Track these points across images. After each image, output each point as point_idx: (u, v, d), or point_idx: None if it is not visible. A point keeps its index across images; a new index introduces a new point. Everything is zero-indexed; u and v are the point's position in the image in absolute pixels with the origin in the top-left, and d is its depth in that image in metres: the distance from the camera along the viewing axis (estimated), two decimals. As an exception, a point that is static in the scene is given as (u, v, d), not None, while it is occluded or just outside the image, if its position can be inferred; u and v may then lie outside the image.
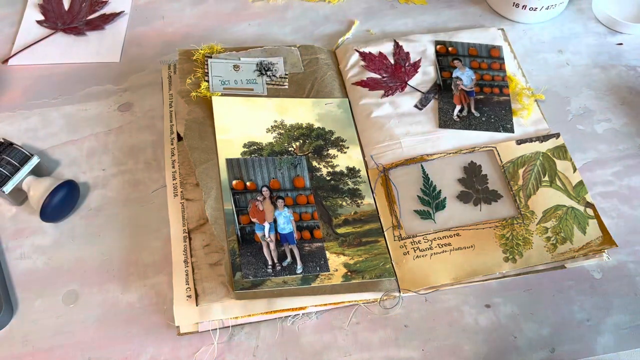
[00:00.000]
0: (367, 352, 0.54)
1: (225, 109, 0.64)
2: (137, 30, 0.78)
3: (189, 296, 0.55)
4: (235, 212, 0.57)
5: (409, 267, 0.57)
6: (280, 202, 0.59)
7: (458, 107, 0.68)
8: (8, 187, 0.59)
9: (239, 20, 0.79)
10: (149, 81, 0.72)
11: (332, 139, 0.65)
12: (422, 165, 0.64)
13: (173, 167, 0.64)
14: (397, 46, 0.73)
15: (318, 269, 0.56)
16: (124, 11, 0.79)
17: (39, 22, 0.78)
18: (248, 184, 0.59)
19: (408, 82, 0.70)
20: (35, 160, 0.61)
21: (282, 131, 0.64)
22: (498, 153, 0.64)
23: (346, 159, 0.63)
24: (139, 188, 0.64)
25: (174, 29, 0.78)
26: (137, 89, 0.71)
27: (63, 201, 0.60)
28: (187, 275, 0.56)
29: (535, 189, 0.62)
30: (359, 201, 0.61)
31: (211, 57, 0.67)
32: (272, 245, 0.56)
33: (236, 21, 0.79)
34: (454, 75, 0.70)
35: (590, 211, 0.60)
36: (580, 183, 0.62)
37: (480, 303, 0.57)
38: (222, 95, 0.65)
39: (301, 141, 0.64)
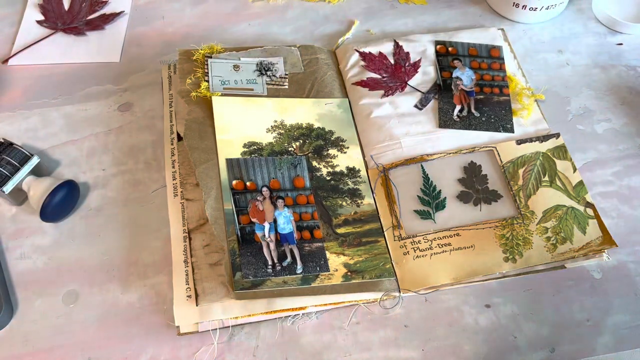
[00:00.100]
0: (367, 352, 0.54)
1: (225, 109, 0.64)
2: (137, 30, 0.78)
3: (189, 296, 0.55)
4: (235, 212, 0.57)
5: (409, 267, 0.57)
6: (280, 202, 0.59)
7: (458, 107, 0.68)
8: (8, 187, 0.59)
9: (239, 20, 0.79)
10: (149, 81, 0.72)
11: (332, 139, 0.65)
12: (422, 165, 0.64)
13: (173, 167, 0.64)
14: (397, 46, 0.73)
15: (318, 269, 0.56)
16: (124, 11, 0.79)
17: (39, 22, 0.78)
18: (248, 184, 0.59)
19: (408, 82, 0.70)
20: (35, 160, 0.61)
21: (282, 131, 0.64)
22: (498, 153, 0.64)
23: (346, 159, 0.63)
24: (139, 188, 0.64)
25: (174, 29, 0.78)
26: (137, 89, 0.71)
27: (63, 201, 0.60)
28: (187, 275, 0.56)
29: (535, 189, 0.62)
30: (359, 201, 0.61)
31: (211, 57, 0.67)
32: (272, 245, 0.56)
33: (236, 21, 0.79)
34: (454, 75, 0.70)
35: (590, 211, 0.60)
36: (580, 183, 0.62)
37: (480, 303, 0.57)
38: (222, 95, 0.65)
39: (301, 141, 0.64)
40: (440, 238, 0.59)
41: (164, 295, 0.57)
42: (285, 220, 0.58)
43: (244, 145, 0.62)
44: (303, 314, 0.56)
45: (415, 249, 0.58)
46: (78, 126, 0.69)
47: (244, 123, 0.63)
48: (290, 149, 0.63)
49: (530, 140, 0.65)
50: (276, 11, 0.80)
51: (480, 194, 0.62)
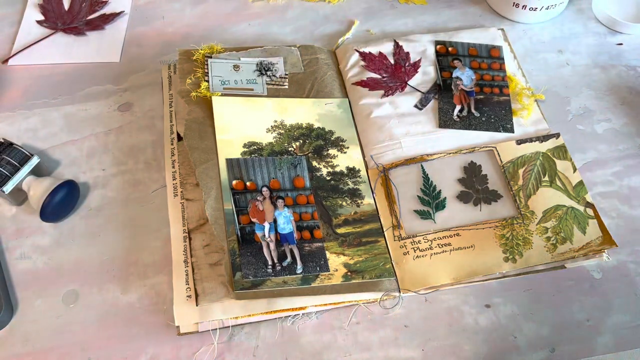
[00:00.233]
0: (367, 352, 0.54)
1: (225, 109, 0.64)
2: (137, 30, 0.78)
3: (189, 296, 0.55)
4: (235, 212, 0.57)
5: (409, 267, 0.57)
6: (280, 202, 0.59)
7: (458, 107, 0.68)
8: (8, 187, 0.59)
9: (239, 20, 0.79)
10: (149, 81, 0.72)
11: (332, 139, 0.65)
12: (422, 165, 0.64)
13: (173, 167, 0.64)
14: (397, 46, 0.73)
15: (318, 269, 0.56)
16: (124, 11, 0.79)
17: (39, 22, 0.78)
18: (248, 184, 0.59)
19: (408, 82, 0.70)
20: (35, 160, 0.61)
21: (282, 131, 0.64)
22: (498, 153, 0.64)
23: (346, 159, 0.63)
24: (139, 188, 0.64)
25: (174, 29, 0.78)
26: (137, 89, 0.71)
27: (63, 201, 0.60)
28: (187, 275, 0.56)
29: (535, 189, 0.62)
30: (359, 201, 0.61)
31: (211, 57, 0.67)
32: (272, 245, 0.56)
33: (236, 21, 0.79)
34: (454, 75, 0.70)
35: (590, 211, 0.60)
36: (580, 183, 0.62)
37: (480, 303, 0.57)
38: (222, 95, 0.65)
39: (301, 141, 0.64)
40: (440, 238, 0.59)
41: (164, 295, 0.57)
42: (285, 220, 0.58)
43: (244, 145, 0.62)
44: (303, 314, 0.56)
45: (415, 249, 0.58)
46: (78, 126, 0.69)
47: (244, 123, 0.63)
48: (290, 149, 0.63)
49: (530, 140, 0.65)
50: (276, 11, 0.80)
51: (480, 194, 0.62)
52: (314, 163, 0.62)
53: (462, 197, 0.62)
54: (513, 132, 0.66)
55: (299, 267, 0.55)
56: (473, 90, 0.69)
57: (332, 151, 0.64)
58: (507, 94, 0.69)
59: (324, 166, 0.62)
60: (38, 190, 0.59)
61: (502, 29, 0.76)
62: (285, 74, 0.69)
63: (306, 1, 0.81)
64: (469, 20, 0.78)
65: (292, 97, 0.67)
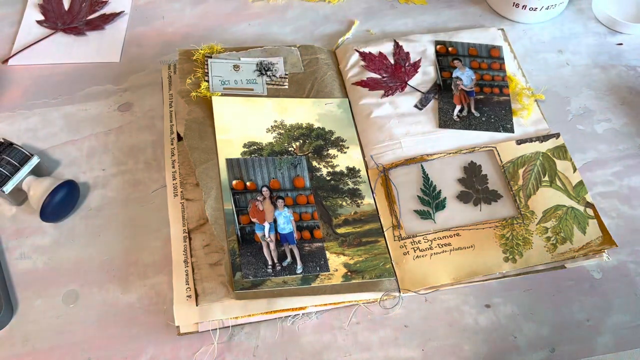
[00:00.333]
0: (367, 352, 0.54)
1: (225, 109, 0.64)
2: (137, 30, 0.78)
3: (189, 296, 0.55)
4: (235, 212, 0.57)
5: (409, 267, 0.57)
6: (280, 202, 0.59)
7: (458, 107, 0.68)
8: (8, 187, 0.59)
9: (239, 20, 0.79)
10: (149, 81, 0.72)
11: (332, 139, 0.65)
12: (422, 165, 0.64)
13: (173, 167, 0.64)
14: (397, 46, 0.73)
15: (318, 269, 0.56)
16: (124, 11, 0.79)
17: (39, 22, 0.78)
18: (248, 184, 0.59)
19: (408, 82, 0.70)
20: (35, 160, 0.61)
21: (282, 131, 0.64)
22: (498, 153, 0.64)
23: (346, 159, 0.63)
24: (139, 188, 0.64)
25: (174, 29, 0.78)
26: (137, 89, 0.71)
27: (63, 201, 0.60)
28: (187, 275, 0.56)
29: (535, 189, 0.62)
30: (359, 201, 0.61)
31: (211, 57, 0.67)
32: (272, 245, 0.56)
33: (236, 21, 0.79)
34: (454, 75, 0.70)
35: (590, 211, 0.60)
36: (580, 183, 0.62)
37: (480, 303, 0.57)
38: (222, 95, 0.65)
39: (301, 141, 0.64)
40: (440, 238, 0.59)
41: (164, 295, 0.57)
42: (285, 220, 0.58)
43: (244, 145, 0.62)
44: (303, 314, 0.56)
45: (415, 249, 0.58)
46: (78, 126, 0.69)
47: (244, 123, 0.63)
48: (290, 149, 0.63)
49: (530, 140, 0.65)
50: (276, 11, 0.80)
51: (480, 194, 0.62)
52: (314, 163, 0.62)
53: (462, 197, 0.62)
54: (513, 132, 0.66)
55: (299, 267, 0.55)
56: (473, 90, 0.69)
57: (332, 151, 0.64)
58: (507, 94, 0.69)
59: (324, 166, 0.62)
60: (38, 190, 0.59)
61: (502, 29, 0.76)
62: (285, 74, 0.69)
63: (306, 1, 0.81)
64: (469, 20, 0.78)
65: (292, 97, 0.67)
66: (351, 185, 0.62)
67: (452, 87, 0.69)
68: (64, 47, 0.76)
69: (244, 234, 0.56)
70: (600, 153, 0.66)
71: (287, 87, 0.68)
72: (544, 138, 0.65)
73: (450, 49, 0.72)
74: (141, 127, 0.68)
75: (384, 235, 0.60)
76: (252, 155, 0.61)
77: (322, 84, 0.69)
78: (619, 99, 0.71)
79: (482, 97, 0.68)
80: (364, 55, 0.72)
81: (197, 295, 0.54)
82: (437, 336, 0.55)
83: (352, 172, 0.63)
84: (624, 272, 0.58)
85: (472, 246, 0.58)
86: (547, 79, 0.72)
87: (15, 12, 0.80)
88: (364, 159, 0.65)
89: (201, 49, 0.68)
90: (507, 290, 0.57)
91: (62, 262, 0.59)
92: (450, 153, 0.64)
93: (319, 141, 0.64)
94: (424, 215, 0.61)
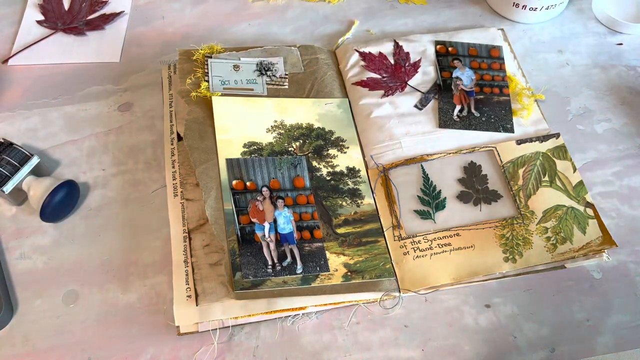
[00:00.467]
0: (367, 352, 0.54)
1: (225, 109, 0.64)
2: (137, 30, 0.78)
3: (189, 296, 0.55)
4: (235, 212, 0.57)
5: (409, 267, 0.57)
6: (280, 202, 0.59)
7: (458, 107, 0.68)
8: (8, 187, 0.59)
9: (239, 20, 0.79)
10: (149, 81, 0.72)
11: (332, 139, 0.65)
12: (422, 165, 0.64)
13: (173, 167, 0.64)
14: (397, 46, 0.73)
15: (318, 269, 0.56)
16: (124, 11, 0.79)
17: (39, 22, 0.78)
18: (248, 184, 0.59)
19: (408, 82, 0.70)
20: (35, 160, 0.61)
21: (282, 131, 0.64)
22: (498, 153, 0.64)
23: (346, 159, 0.63)
24: (139, 188, 0.64)
25: (174, 29, 0.78)
26: (137, 89, 0.71)
27: (63, 201, 0.60)
28: (187, 275, 0.56)
29: (535, 189, 0.62)
30: (359, 201, 0.61)
31: (211, 57, 0.67)
32: (272, 245, 0.56)
33: (236, 21, 0.79)
34: (454, 75, 0.70)
35: (590, 211, 0.60)
36: (580, 183, 0.62)
37: (480, 303, 0.57)
38: (222, 95, 0.65)
39: (301, 141, 0.64)
40: (440, 238, 0.59)
41: (164, 295, 0.57)
42: (285, 220, 0.58)
43: (244, 145, 0.62)
44: (303, 314, 0.56)
45: (415, 249, 0.58)
46: (78, 126, 0.69)
47: (244, 123, 0.63)
48: (290, 149, 0.63)
49: (530, 140, 0.65)
50: (276, 11, 0.80)
51: (480, 194, 0.62)
52: (314, 163, 0.62)
53: (462, 197, 0.62)
54: (513, 132, 0.66)
55: (299, 267, 0.55)
56: (473, 90, 0.69)
57: (332, 151, 0.64)
58: (507, 94, 0.69)
59: (324, 166, 0.62)
60: (38, 190, 0.59)
61: (502, 29, 0.76)
62: (285, 74, 0.69)
63: (306, 1, 0.81)
64: (469, 20, 0.78)
65: (292, 97, 0.67)
66: (351, 185, 0.62)
67: (452, 87, 0.69)
68: (64, 47, 0.76)
69: (244, 234, 0.56)
70: (600, 153, 0.66)
71: (287, 87, 0.68)
72: (544, 138, 0.65)
73: (450, 49, 0.72)
74: (141, 127, 0.68)
75: (384, 235, 0.60)
76: (252, 155, 0.61)
77: (322, 84, 0.69)
78: (619, 99, 0.71)
79: (482, 97, 0.68)
80: (364, 55, 0.72)
81: (197, 295, 0.54)
82: (437, 336, 0.55)
83: (352, 172, 0.63)
84: (624, 272, 0.58)
85: (472, 246, 0.58)
86: (547, 79, 0.72)
87: (15, 12, 0.80)
88: (364, 159, 0.65)
89: (201, 49, 0.68)
90: (507, 290, 0.57)
91: (62, 262, 0.59)
92: (450, 153, 0.64)
93: (319, 141, 0.64)
94: (424, 215, 0.61)
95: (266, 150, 0.62)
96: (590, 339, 0.54)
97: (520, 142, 0.65)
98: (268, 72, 0.68)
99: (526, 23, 0.78)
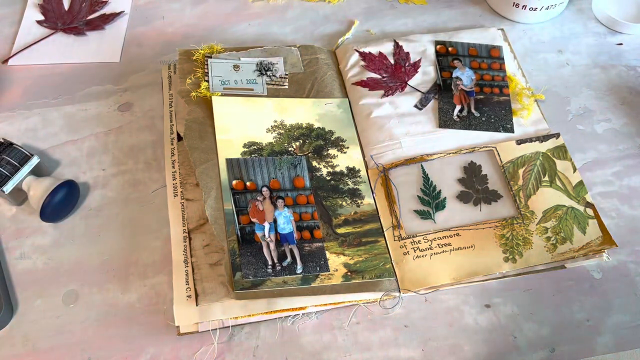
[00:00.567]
0: (367, 352, 0.54)
1: (225, 109, 0.64)
2: (137, 30, 0.78)
3: (189, 296, 0.55)
4: (235, 212, 0.57)
5: (409, 267, 0.57)
6: (280, 202, 0.59)
7: (458, 107, 0.68)
8: (8, 187, 0.59)
9: (239, 20, 0.79)
10: (149, 81, 0.72)
11: (332, 139, 0.65)
12: (422, 165, 0.64)
13: (173, 167, 0.64)
14: (397, 46, 0.73)
15: (318, 269, 0.56)
16: (124, 11, 0.79)
17: (39, 22, 0.78)
18: (248, 184, 0.59)
19: (408, 82, 0.70)
20: (35, 160, 0.61)
21: (282, 131, 0.64)
22: (498, 153, 0.64)
23: (346, 159, 0.63)
24: (139, 188, 0.64)
25: (174, 29, 0.78)
26: (137, 89, 0.71)
27: (63, 201, 0.60)
28: (187, 275, 0.56)
29: (535, 189, 0.62)
30: (359, 201, 0.61)
31: (211, 57, 0.67)
32: (272, 245, 0.56)
33: (236, 21, 0.79)
34: (454, 75, 0.70)
35: (590, 211, 0.60)
36: (580, 183, 0.62)
37: (480, 303, 0.57)
38: (222, 95, 0.65)
39: (301, 141, 0.64)
40: (440, 238, 0.59)
41: (164, 295, 0.57)
42: (285, 220, 0.58)
43: (244, 145, 0.62)
44: (303, 314, 0.56)
45: (415, 249, 0.58)
46: (78, 126, 0.69)
47: (244, 123, 0.63)
48: (290, 149, 0.63)
49: (530, 140, 0.65)
50: (276, 11, 0.80)
51: (480, 194, 0.62)
52: (314, 163, 0.62)
53: (462, 197, 0.62)
54: (513, 132, 0.66)
55: (299, 267, 0.55)
56: (473, 90, 0.69)
57: (332, 151, 0.64)
58: (507, 94, 0.69)
59: (324, 166, 0.62)
60: (38, 190, 0.59)
61: (502, 29, 0.76)
62: (285, 74, 0.69)
63: (306, 1, 0.81)
64: (469, 20, 0.78)
65: (292, 97, 0.67)
66: (351, 185, 0.62)
67: (452, 87, 0.69)
68: (64, 47, 0.76)
69: (244, 234, 0.56)
70: (600, 153, 0.66)
71: (287, 87, 0.68)
72: (544, 138, 0.65)
73: (450, 49, 0.72)
74: (141, 127, 0.68)
75: (384, 235, 0.60)
76: (252, 155, 0.61)
77: (322, 84, 0.69)
78: (619, 99, 0.71)
79: (482, 97, 0.69)
80: (364, 55, 0.72)
81: (197, 295, 0.54)
82: (437, 336, 0.55)
83: (352, 172, 0.63)
84: (624, 272, 0.58)
85: (472, 246, 0.58)
86: (547, 79, 0.72)
87: (15, 12, 0.80)
88: (364, 159, 0.65)
89: (201, 49, 0.68)
90: (507, 290, 0.57)
91: (62, 262, 0.59)
92: (450, 153, 0.64)
93: (319, 141, 0.64)
94: (424, 215, 0.61)
95: (266, 150, 0.62)
96: (590, 339, 0.54)
97: (520, 142, 0.65)
98: (268, 72, 0.68)
99: (526, 23, 0.78)
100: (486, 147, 0.65)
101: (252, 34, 0.77)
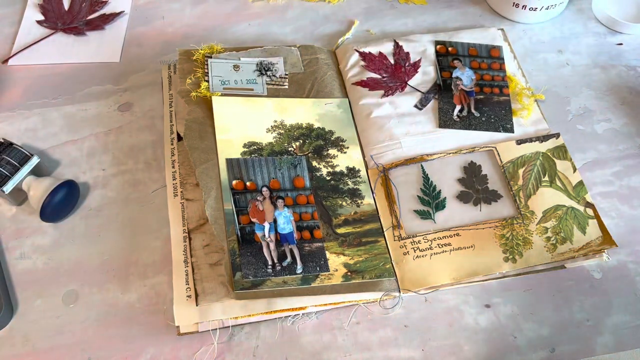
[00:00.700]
0: (367, 352, 0.54)
1: (225, 109, 0.64)
2: (137, 30, 0.78)
3: (189, 296, 0.55)
4: (235, 212, 0.57)
5: (409, 267, 0.57)
6: (280, 202, 0.59)
7: (458, 107, 0.68)
8: (8, 187, 0.59)
9: (239, 20, 0.79)
10: (149, 81, 0.72)
11: (332, 139, 0.65)
12: (422, 165, 0.64)
13: (173, 167, 0.64)
14: (397, 46, 0.73)
15: (318, 269, 0.56)
16: (124, 11, 0.79)
17: (39, 22, 0.78)
18: (248, 184, 0.59)
19: (408, 82, 0.70)
20: (35, 160, 0.61)
21: (282, 131, 0.64)
22: (498, 153, 0.64)
23: (346, 159, 0.63)
24: (139, 188, 0.64)
25: (174, 29, 0.78)
26: (137, 89, 0.71)
27: (63, 201, 0.60)
28: (187, 275, 0.56)
29: (535, 189, 0.62)
30: (359, 201, 0.61)
31: (211, 57, 0.67)
32: (272, 245, 0.56)
33: (236, 21, 0.79)
34: (454, 75, 0.70)
35: (590, 211, 0.60)
36: (580, 183, 0.62)
37: (480, 303, 0.57)
38: (222, 95, 0.65)
39: (301, 141, 0.64)
40: (440, 238, 0.59)
41: (164, 295, 0.57)
42: (285, 220, 0.58)
43: (244, 145, 0.62)
44: (303, 314, 0.56)
45: (415, 249, 0.58)
46: (78, 126, 0.69)
47: (244, 123, 0.63)
48: (290, 149, 0.63)
49: (530, 140, 0.65)
50: (276, 11, 0.80)
51: (480, 194, 0.62)
52: (314, 163, 0.62)
53: (462, 197, 0.62)
54: (513, 132, 0.66)
55: (299, 267, 0.55)
56: (473, 90, 0.69)
57: (332, 151, 0.64)
58: (507, 94, 0.69)
59: (324, 166, 0.62)
60: (38, 190, 0.59)
61: (502, 29, 0.76)
62: (285, 74, 0.69)
63: (306, 1, 0.81)
64: (469, 20, 0.78)
65: (292, 97, 0.67)
66: (351, 185, 0.62)
67: (452, 87, 0.69)
68: (64, 47, 0.76)
69: (244, 234, 0.56)
70: (600, 153, 0.66)
71: (287, 87, 0.68)
72: (544, 138, 0.65)
73: (450, 49, 0.72)
74: (141, 127, 0.68)
75: (384, 235, 0.60)
76: (252, 155, 0.61)
77: (322, 84, 0.69)
78: (619, 99, 0.71)
79: (482, 97, 0.69)
80: (364, 55, 0.72)
81: (197, 295, 0.54)
82: (437, 336, 0.55)
83: (352, 172, 0.63)
84: (624, 272, 0.58)
85: (472, 246, 0.58)
86: (547, 79, 0.72)
87: (15, 12, 0.80)
88: (364, 159, 0.65)
89: (201, 49, 0.68)
90: (507, 290, 0.57)
91: (62, 262, 0.59)
92: (450, 153, 0.64)
93: (319, 141, 0.64)
94: (424, 215, 0.61)
95: (266, 150, 0.62)
96: (590, 339, 0.54)
97: (520, 142, 0.65)
98: (268, 72, 0.68)
99: (526, 23, 0.78)
100: (486, 147, 0.65)
101: (252, 34, 0.77)
